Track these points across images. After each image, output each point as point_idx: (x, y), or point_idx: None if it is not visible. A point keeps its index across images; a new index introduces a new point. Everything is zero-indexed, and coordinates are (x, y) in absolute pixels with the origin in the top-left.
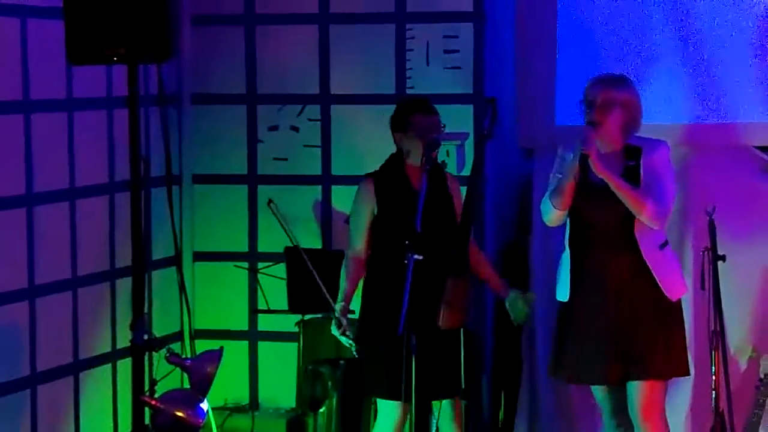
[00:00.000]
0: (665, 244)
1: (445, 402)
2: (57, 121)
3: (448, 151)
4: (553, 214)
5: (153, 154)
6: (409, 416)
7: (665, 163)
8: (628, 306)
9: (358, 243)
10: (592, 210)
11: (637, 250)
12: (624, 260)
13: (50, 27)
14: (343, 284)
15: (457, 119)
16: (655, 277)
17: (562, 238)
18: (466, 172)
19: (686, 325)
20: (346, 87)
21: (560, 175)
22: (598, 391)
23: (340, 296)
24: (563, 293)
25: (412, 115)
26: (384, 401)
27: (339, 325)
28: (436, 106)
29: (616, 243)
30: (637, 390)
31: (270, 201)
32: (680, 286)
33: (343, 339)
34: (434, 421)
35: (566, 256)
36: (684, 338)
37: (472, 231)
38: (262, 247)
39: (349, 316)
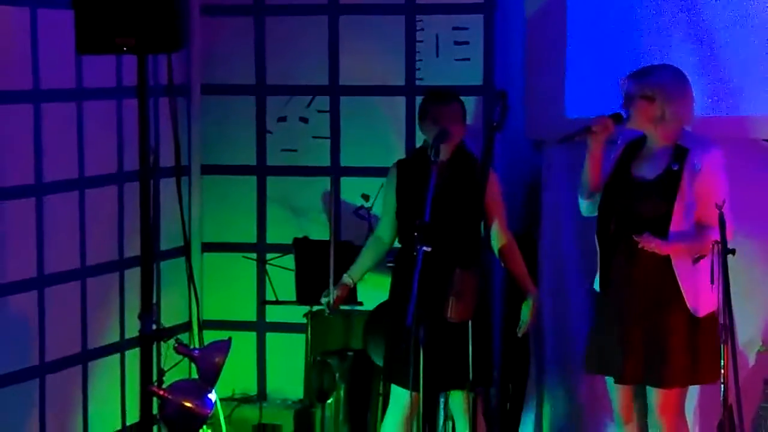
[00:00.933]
0: (700, 257)
1: (455, 393)
2: (66, 111)
3: None
4: (581, 203)
5: (162, 144)
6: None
7: (716, 171)
8: (653, 305)
9: (381, 227)
10: (623, 207)
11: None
12: (646, 261)
13: (60, 17)
14: (359, 260)
15: (467, 111)
16: (681, 288)
17: (575, 235)
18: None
19: None
20: (355, 78)
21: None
22: (616, 389)
23: (350, 271)
24: (596, 283)
25: (430, 104)
26: (396, 389)
27: (329, 304)
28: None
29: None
30: (656, 392)
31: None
32: (707, 304)
33: (326, 296)
34: (441, 411)
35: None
36: (713, 345)
37: (482, 223)
38: (270, 239)
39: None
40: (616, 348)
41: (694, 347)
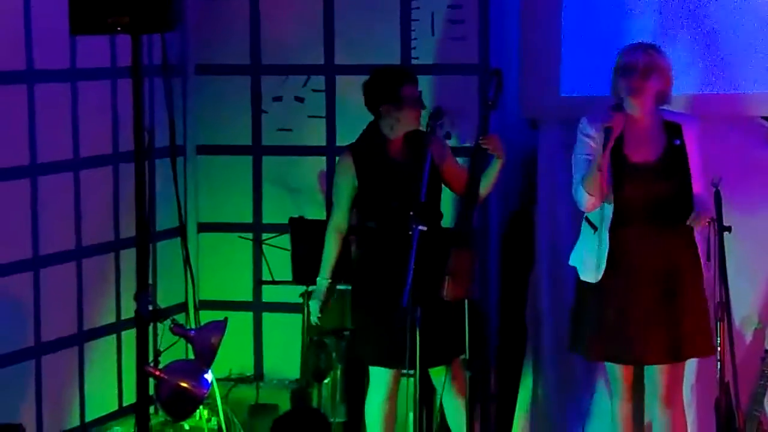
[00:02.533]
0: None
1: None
2: (60, 92)
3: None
4: (588, 201)
5: (157, 124)
6: (412, 385)
7: (699, 143)
8: (664, 287)
9: (340, 217)
10: (632, 192)
11: (676, 232)
12: (660, 240)
13: None
14: (328, 259)
15: (462, 90)
16: (701, 261)
17: (572, 214)
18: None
19: None
20: (350, 58)
21: (586, 156)
22: (618, 370)
23: (324, 273)
24: (594, 274)
25: (402, 87)
26: (376, 369)
27: (320, 305)
28: (442, 77)
29: (652, 223)
30: (666, 374)
31: None
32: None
33: (313, 315)
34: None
35: (596, 237)
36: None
37: (476, 202)
38: (266, 218)
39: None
40: (631, 332)
41: (704, 319)
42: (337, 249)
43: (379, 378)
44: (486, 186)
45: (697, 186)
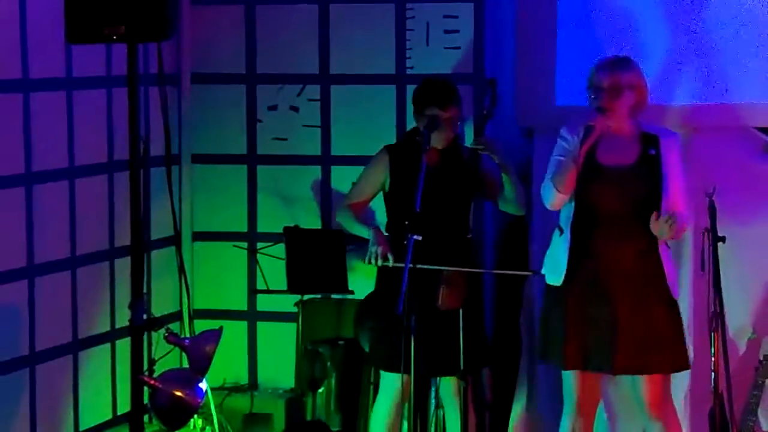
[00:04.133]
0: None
1: (445, 380)
2: (56, 100)
3: None
4: (555, 197)
5: (152, 133)
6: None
7: (679, 157)
8: (635, 295)
9: (357, 198)
10: (602, 194)
11: (643, 238)
12: (630, 247)
13: (49, 5)
14: (357, 224)
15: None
16: (664, 269)
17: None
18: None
19: (685, 306)
20: (346, 67)
21: (561, 158)
22: (573, 379)
23: (366, 227)
24: (556, 276)
25: (431, 108)
26: (386, 374)
27: (379, 252)
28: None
29: (623, 229)
30: (648, 385)
31: None
32: (676, 287)
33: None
34: (432, 399)
35: (563, 239)
36: (683, 331)
37: (471, 210)
38: (261, 227)
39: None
40: (598, 344)
41: (674, 330)
42: (359, 215)
43: (389, 385)
44: (512, 189)
45: (675, 203)
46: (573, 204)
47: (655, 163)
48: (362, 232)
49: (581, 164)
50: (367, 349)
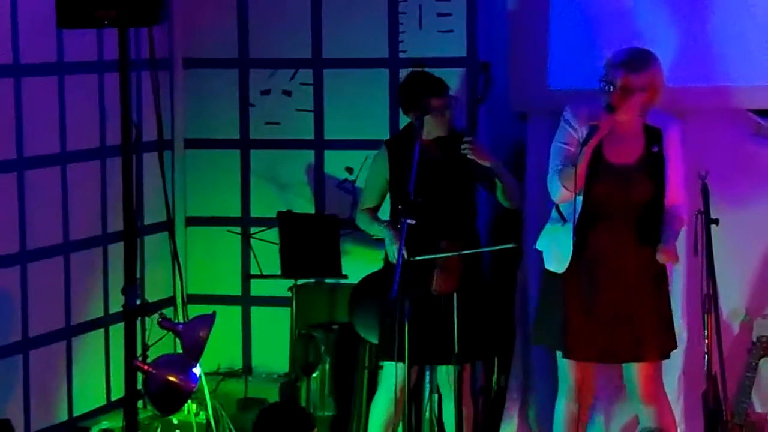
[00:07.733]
0: None
1: (441, 367)
2: (47, 85)
3: None
4: (563, 195)
5: (144, 118)
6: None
7: (679, 146)
8: (630, 285)
9: (369, 203)
10: (608, 191)
11: (644, 231)
12: (629, 237)
13: None
14: (372, 224)
15: (450, 83)
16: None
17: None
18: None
19: (679, 288)
20: (338, 51)
21: (565, 146)
22: (571, 365)
23: (380, 224)
24: (559, 264)
25: (427, 97)
26: (389, 366)
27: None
28: (430, 70)
29: (627, 223)
30: (640, 372)
31: None
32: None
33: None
34: (427, 385)
35: (566, 230)
36: (671, 309)
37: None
38: (254, 212)
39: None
40: (593, 332)
41: (664, 316)
42: (370, 217)
43: (390, 377)
44: (505, 191)
45: (675, 196)
46: (579, 198)
47: (659, 161)
48: (378, 231)
49: (588, 162)
50: (362, 333)
